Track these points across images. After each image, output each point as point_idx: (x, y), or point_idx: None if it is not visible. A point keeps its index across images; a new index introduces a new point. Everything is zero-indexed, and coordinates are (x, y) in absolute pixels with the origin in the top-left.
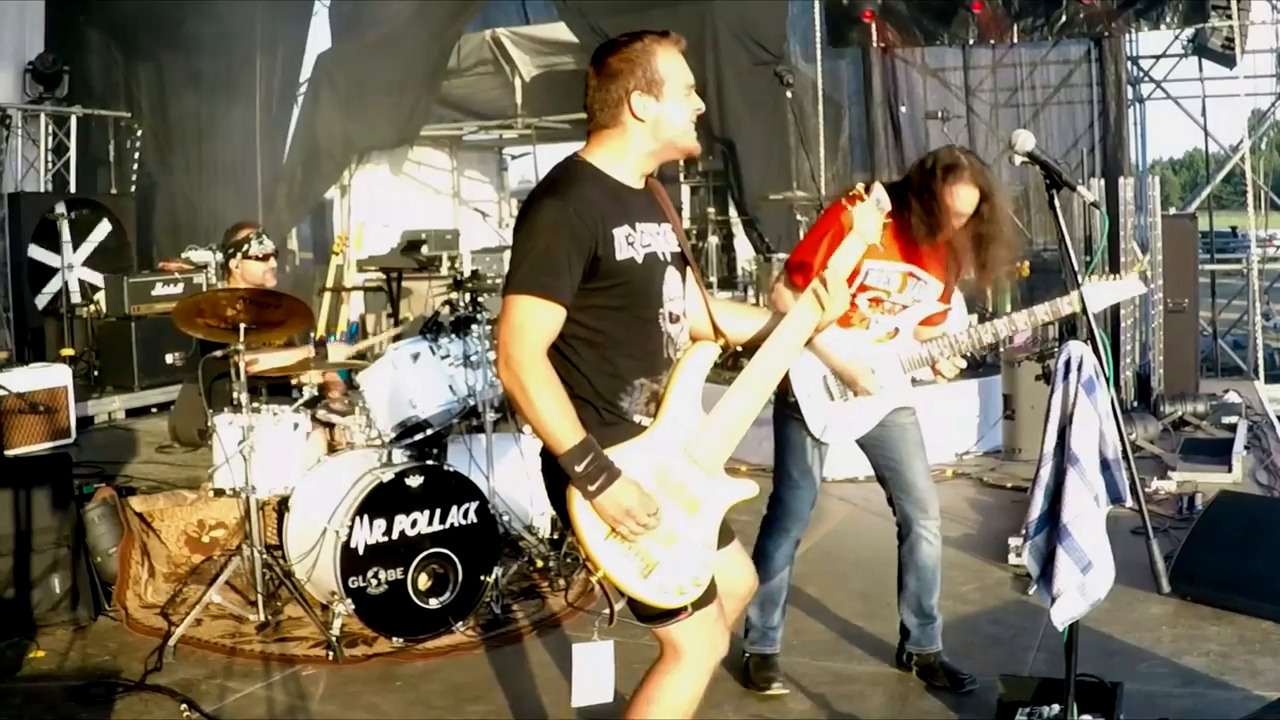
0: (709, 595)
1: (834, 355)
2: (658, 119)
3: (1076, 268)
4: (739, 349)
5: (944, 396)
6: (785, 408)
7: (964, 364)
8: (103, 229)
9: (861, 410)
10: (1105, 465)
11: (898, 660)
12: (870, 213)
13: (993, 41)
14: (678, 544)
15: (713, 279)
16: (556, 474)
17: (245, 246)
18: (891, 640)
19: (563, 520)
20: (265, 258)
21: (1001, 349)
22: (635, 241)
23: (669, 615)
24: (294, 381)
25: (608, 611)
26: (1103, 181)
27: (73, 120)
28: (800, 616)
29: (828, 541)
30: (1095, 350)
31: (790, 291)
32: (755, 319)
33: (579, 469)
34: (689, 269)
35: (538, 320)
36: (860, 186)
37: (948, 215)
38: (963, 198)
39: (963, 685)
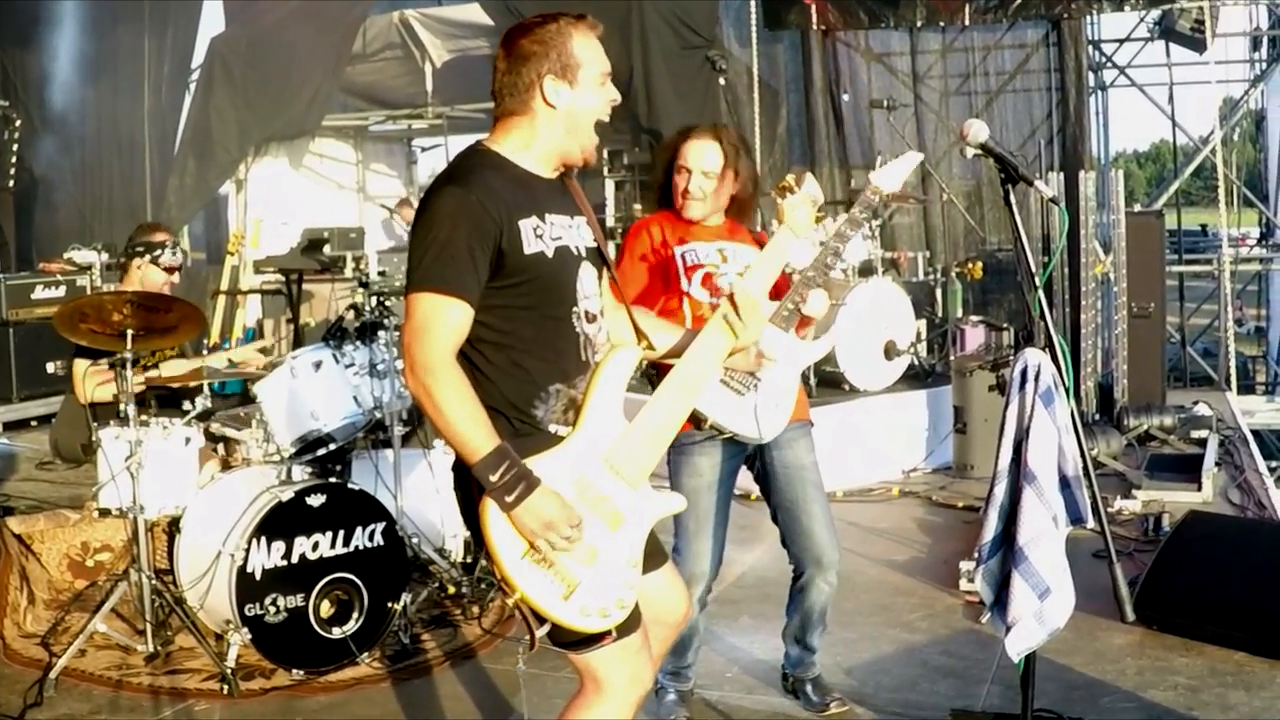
0: (633, 621)
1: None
2: (571, 107)
3: (1033, 269)
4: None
5: (890, 409)
6: (675, 444)
7: (825, 294)
8: None
9: (777, 388)
10: (1065, 483)
11: (783, 681)
12: (801, 205)
13: (942, 24)
14: (600, 562)
15: None
16: (469, 488)
17: (157, 252)
18: (834, 674)
19: (476, 539)
20: (172, 270)
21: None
22: (544, 234)
23: (591, 641)
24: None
25: (529, 638)
26: (1062, 175)
27: None
28: (733, 648)
29: (764, 564)
30: (1054, 358)
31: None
32: (667, 334)
33: (494, 478)
34: (606, 268)
35: (443, 319)
36: (790, 178)
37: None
38: (696, 151)
39: (827, 708)
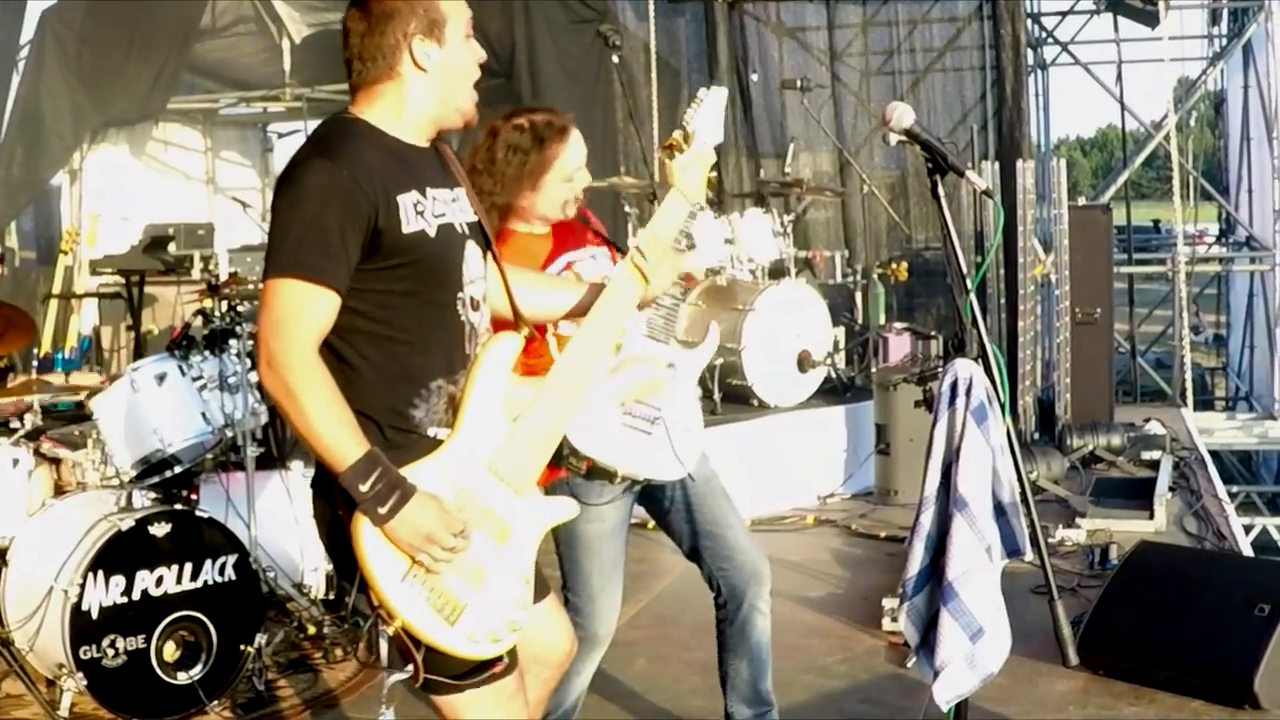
0: (511, 661)
1: (630, 377)
2: (443, 67)
3: (965, 270)
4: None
5: (804, 427)
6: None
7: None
8: None
9: (681, 410)
10: (1000, 510)
11: None
12: (692, 165)
13: None
14: (488, 581)
15: None
16: (333, 505)
17: None
18: None
19: (342, 565)
20: None
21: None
22: (426, 210)
23: (479, 670)
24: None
25: (410, 668)
26: (997, 165)
27: None
28: (628, 694)
29: (661, 602)
30: (987, 370)
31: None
32: (565, 292)
33: (364, 488)
34: (488, 246)
35: (306, 309)
36: (678, 135)
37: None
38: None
39: None
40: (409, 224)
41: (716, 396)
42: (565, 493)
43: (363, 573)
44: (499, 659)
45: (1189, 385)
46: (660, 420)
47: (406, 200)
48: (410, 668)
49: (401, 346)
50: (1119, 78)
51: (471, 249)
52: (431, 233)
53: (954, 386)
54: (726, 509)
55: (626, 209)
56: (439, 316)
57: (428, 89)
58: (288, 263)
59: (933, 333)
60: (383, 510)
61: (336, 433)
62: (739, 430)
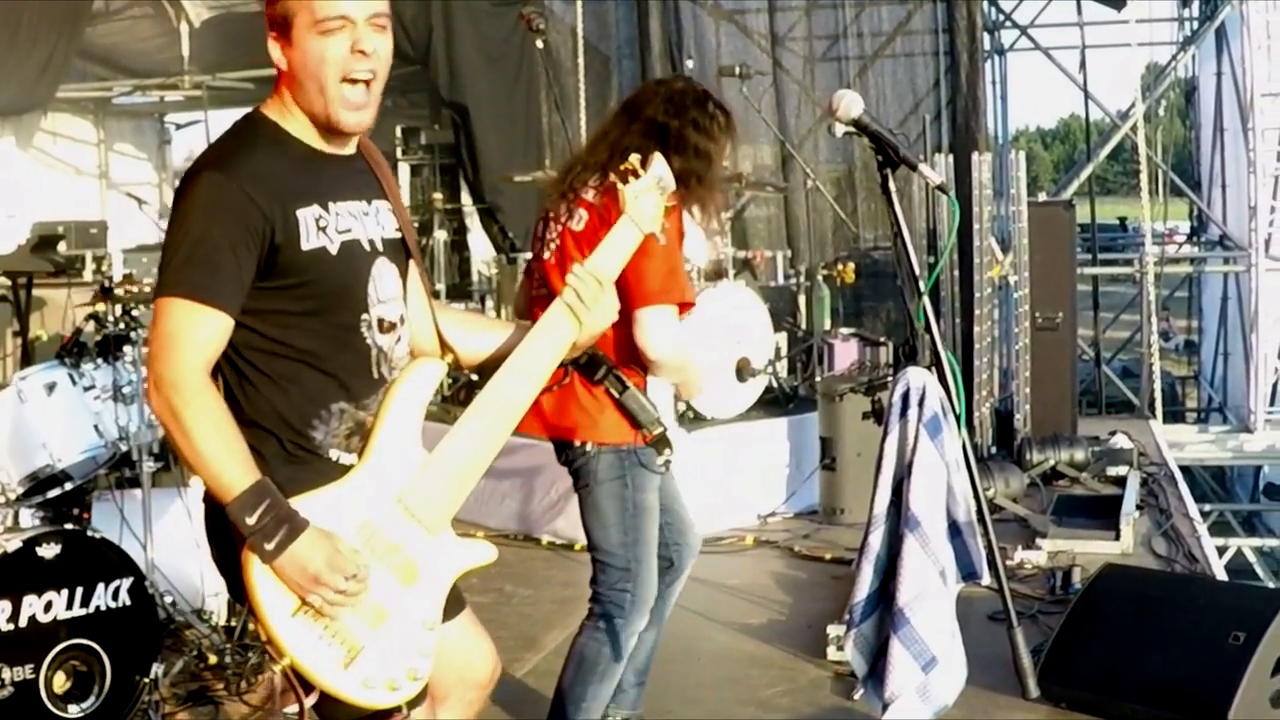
0: (420, 695)
1: (695, 359)
2: (297, 68)
3: (917, 271)
4: (473, 375)
5: (744, 441)
6: (629, 452)
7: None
8: None
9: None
10: (955, 531)
11: None
12: (646, 192)
13: None
14: (389, 623)
15: (440, 286)
16: (226, 529)
17: None
18: None
19: (237, 591)
20: None
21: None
22: (329, 226)
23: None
24: None
25: (297, 709)
26: (951, 158)
27: None
28: None
29: None
30: (941, 379)
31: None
32: (493, 333)
33: (251, 521)
34: (413, 262)
35: (193, 330)
36: (635, 158)
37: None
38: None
39: None
40: (308, 240)
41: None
42: (633, 462)
43: (252, 606)
44: (396, 709)
45: (1158, 395)
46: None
47: (307, 215)
48: (296, 708)
49: (300, 365)
50: (1083, 64)
51: (383, 267)
52: (333, 250)
53: (905, 397)
54: (678, 487)
55: None
56: (342, 338)
57: (295, 90)
58: (175, 281)
59: (882, 339)
60: (269, 546)
61: (224, 460)
62: None
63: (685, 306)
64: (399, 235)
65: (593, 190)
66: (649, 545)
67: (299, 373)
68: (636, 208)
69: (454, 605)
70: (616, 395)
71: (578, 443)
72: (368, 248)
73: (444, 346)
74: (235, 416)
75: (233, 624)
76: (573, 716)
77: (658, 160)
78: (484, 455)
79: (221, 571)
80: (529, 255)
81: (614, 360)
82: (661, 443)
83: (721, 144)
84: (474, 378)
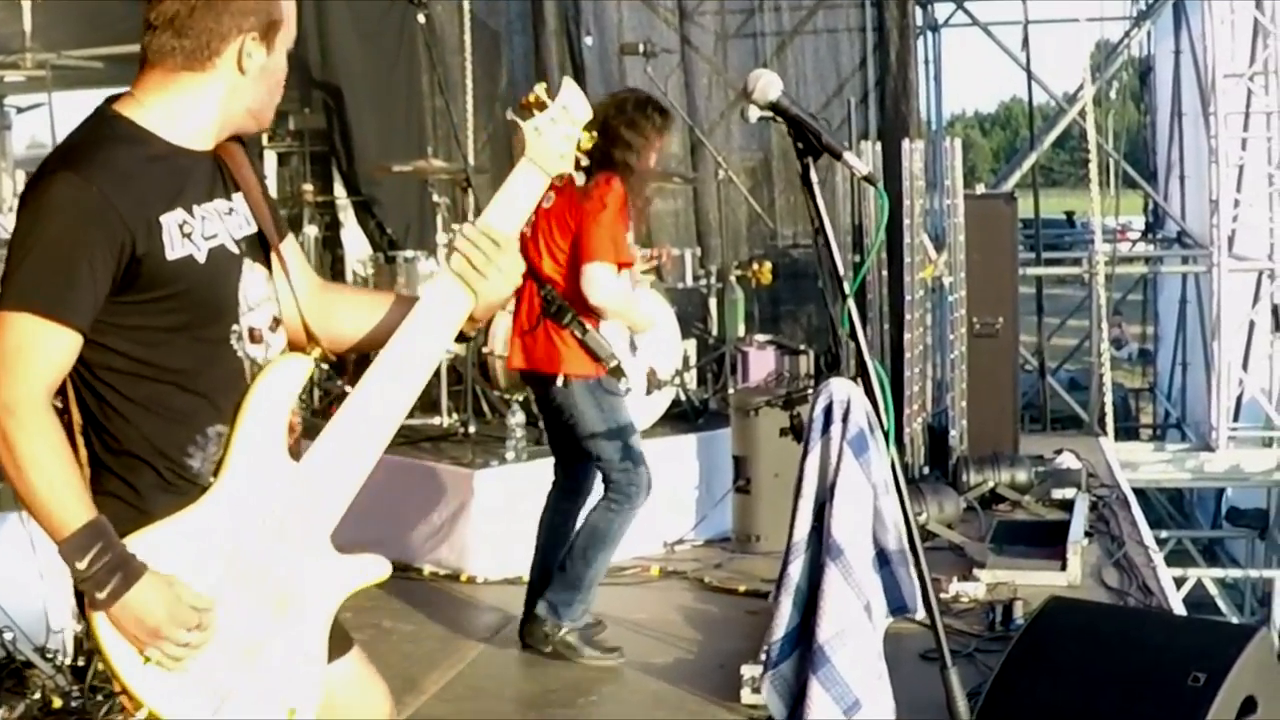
0: None
1: (638, 306)
2: (261, 74)
3: (841, 271)
4: (346, 387)
5: (648, 460)
6: (596, 383)
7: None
8: None
9: (642, 353)
10: (883, 560)
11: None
12: (553, 125)
13: None
14: (261, 660)
15: None
16: None
17: None
18: None
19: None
20: None
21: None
22: (195, 232)
23: None
24: None
25: None
26: (879, 146)
27: None
28: None
29: (475, 673)
30: (868, 391)
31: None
32: (373, 310)
33: (82, 566)
34: (285, 244)
35: (38, 348)
36: (541, 87)
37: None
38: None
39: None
40: (174, 249)
41: (542, 423)
42: (599, 388)
43: (101, 654)
44: None
45: (1109, 410)
46: (636, 350)
47: (171, 221)
48: None
49: (168, 388)
50: (1025, 41)
51: (250, 270)
52: (201, 258)
53: (828, 411)
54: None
55: (435, 198)
56: (211, 354)
57: (238, 94)
58: (21, 293)
59: (802, 347)
60: (100, 595)
61: (58, 495)
62: None
63: (624, 264)
64: (257, 230)
65: None
66: (634, 444)
67: (168, 395)
68: (540, 146)
69: (340, 642)
70: (579, 336)
71: (554, 375)
72: (235, 250)
73: (310, 337)
74: (102, 447)
75: (80, 664)
76: (581, 573)
77: (567, 86)
78: (362, 462)
79: (80, 607)
80: (408, 254)
81: (575, 309)
82: (617, 372)
83: (650, 139)
84: (346, 389)
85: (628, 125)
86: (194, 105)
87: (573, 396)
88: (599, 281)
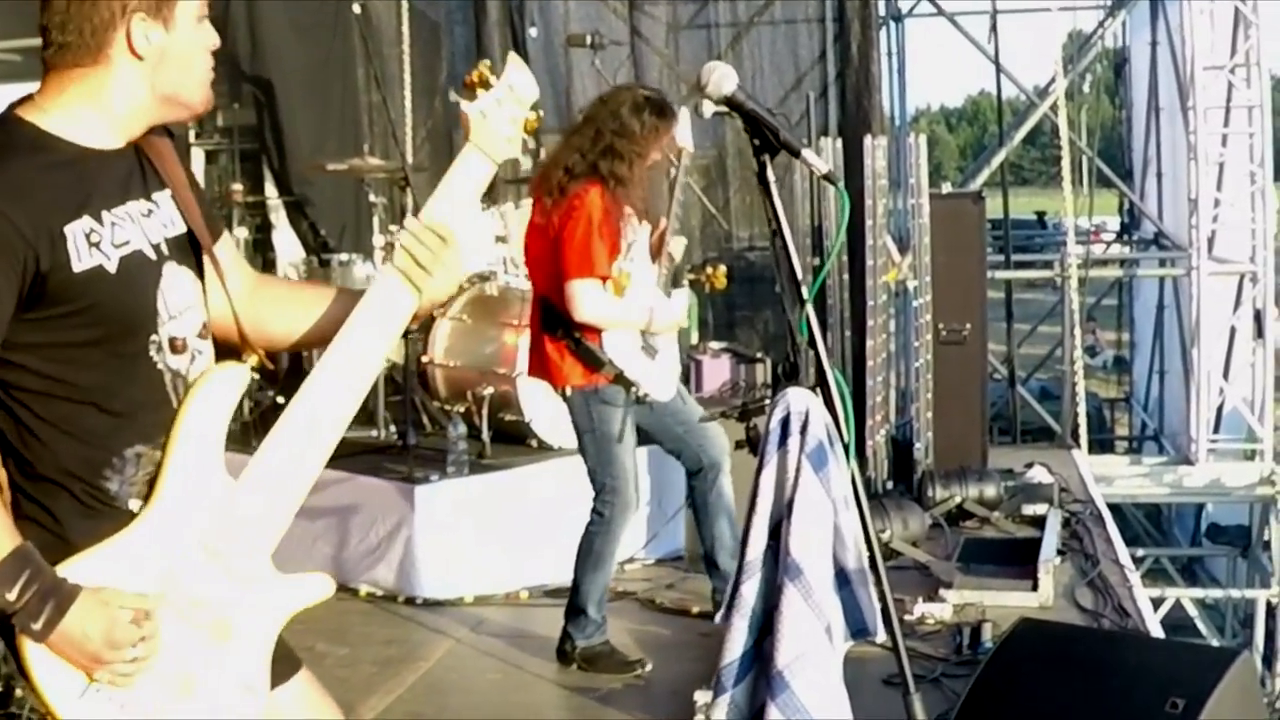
0: None
1: (644, 311)
2: (163, 55)
3: (799, 275)
4: (278, 398)
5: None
6: (593, 391)
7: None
8: None
9: (669, 354)
10: (843, 579)
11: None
12: (498, 107)
13: None
14: (200, 692)
15: None
16: None
17: None
18: None
19: (20, 661)
20: None
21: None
22: (104, 240)
23: None
24: None
25: None
26: (840, 142)
27: None
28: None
29: (415, 695)
30: (828, 401)
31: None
32: (310, 308)
33: (11, 597)
34: (219, 245)
35: None
36: (484, 64)
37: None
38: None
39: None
40: (80, 260)
41: (485, 436)
42: (597, 399)
43: (33, 689)
44: None
45: (1082, 421)
46: (658, 353)
47: (76, 230)
48: None
49: (83, 407)
50: (993, 32)
51: (173, 274)
52: (111, 267)
53: (785, 423)
54: (678, 404)
55: (372, 198)
56: (128, 368)
57: (141, 80)
58: None
59: (758, 355)
60: (35, 626)
61: None
62: (511, 479)
63: (606, 277)
64: (186, 230)
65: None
66: (620, 465)
67: (84, 415)
68: (485, 131)
69: (286, 664)
70: (572, 348)
71: (560, 387)
72: (153, 256)
73: (244, 343)
74: (18, 471)
75: (2, 691)
76: (579, 593)
77: (513, 64)
78: (305, 474)
79: (4, 640)
80: (343, 257)
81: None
82: (621, 381)
83: (645, 147)
84: (279, 400)
85: (620, 133)
86: (94, 102)
87: (572, 406)
88: (579, 299)
